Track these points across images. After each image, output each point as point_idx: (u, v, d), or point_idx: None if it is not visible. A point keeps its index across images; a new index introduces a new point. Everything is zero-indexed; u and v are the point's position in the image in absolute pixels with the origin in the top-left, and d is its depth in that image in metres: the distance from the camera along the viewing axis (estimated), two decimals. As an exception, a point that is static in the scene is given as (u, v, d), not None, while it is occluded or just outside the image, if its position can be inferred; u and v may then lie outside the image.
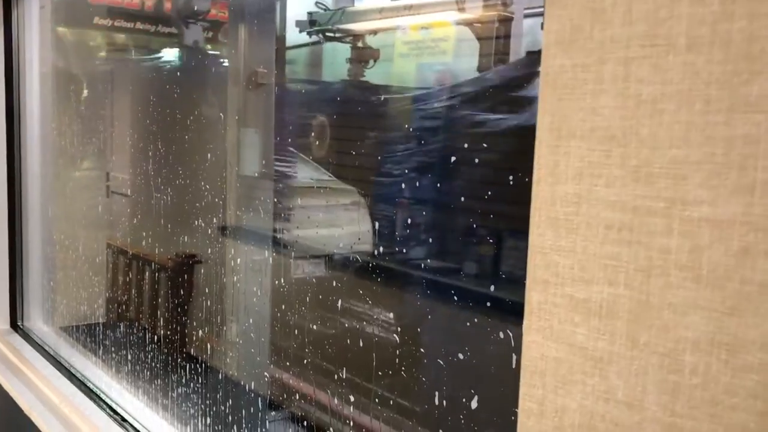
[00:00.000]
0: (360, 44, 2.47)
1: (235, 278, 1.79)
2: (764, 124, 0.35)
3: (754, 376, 0.36)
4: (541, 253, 0.45)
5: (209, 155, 1.87)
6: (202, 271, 1.90)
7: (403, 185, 1.59)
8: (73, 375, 1.85)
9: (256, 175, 1.92)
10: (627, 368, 0.41)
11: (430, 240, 1.50)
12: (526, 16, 1.62)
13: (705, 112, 0.37)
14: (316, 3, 2.47)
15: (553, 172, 0.43)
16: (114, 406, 1.68)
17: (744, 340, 0.36)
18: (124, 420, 1.61)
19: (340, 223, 1.64)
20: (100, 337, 2.02)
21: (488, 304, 1.17)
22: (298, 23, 2.43)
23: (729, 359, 0.37)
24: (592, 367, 0.42)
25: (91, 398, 1.72)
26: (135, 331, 2.00)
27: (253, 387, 1.65)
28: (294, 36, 2.40)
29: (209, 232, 1.79)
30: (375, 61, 2.44)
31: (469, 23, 1.82)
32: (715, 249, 0.37)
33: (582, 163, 0.42)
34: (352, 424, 1.38)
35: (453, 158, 1.40)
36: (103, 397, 1.73)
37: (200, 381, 1.70)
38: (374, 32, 2.45)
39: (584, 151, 0.42)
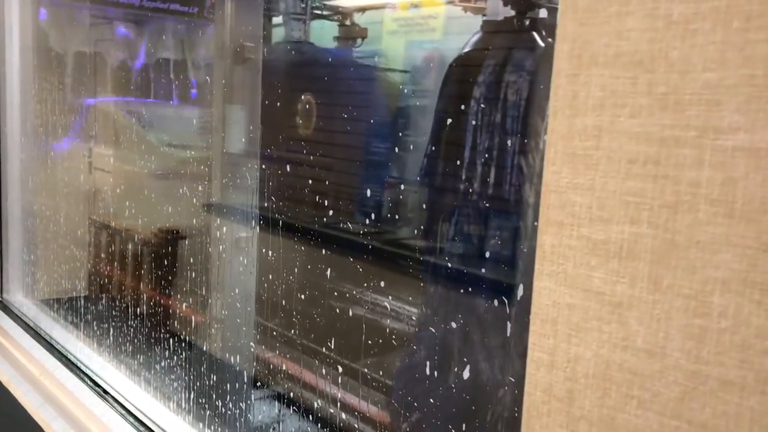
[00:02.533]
0: (347, 22, 2.43)
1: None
2: (811, 40, 0.32)
3: (790, 316, 0.33)
4: (556, 192, 0.42)
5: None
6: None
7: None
8: (54, 347, 1.81)
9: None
10: (648, 313, 0.38)
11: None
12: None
13: (744, 29, 0.34)
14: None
15: (572, 104, 0.40)
16: (96, 378, 1.64)
17: (780, 278, 0.33)
18: (105, 392, 1.58)
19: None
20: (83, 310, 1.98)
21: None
22: None
23: (763, 299, 0.34)
24: (609, 313, 0.40)
25: (72, 371, 1.68)
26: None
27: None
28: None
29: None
30: (363, 39, 2.39)
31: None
32: (751, 180, 0.34)
33: (604, 92, 0.39)
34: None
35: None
36: (84, 369, 1.69)
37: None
38: (362, 10, 2.40)
39: (607, 79, 0.39)
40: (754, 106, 0.34)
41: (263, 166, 1.72)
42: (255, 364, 1.71)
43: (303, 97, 1.92)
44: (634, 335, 0.39)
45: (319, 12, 2.47)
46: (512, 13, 1.25)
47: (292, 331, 1.56)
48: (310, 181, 1.66)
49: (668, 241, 0.37)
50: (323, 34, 2.48)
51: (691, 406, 0.37)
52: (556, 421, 0.42)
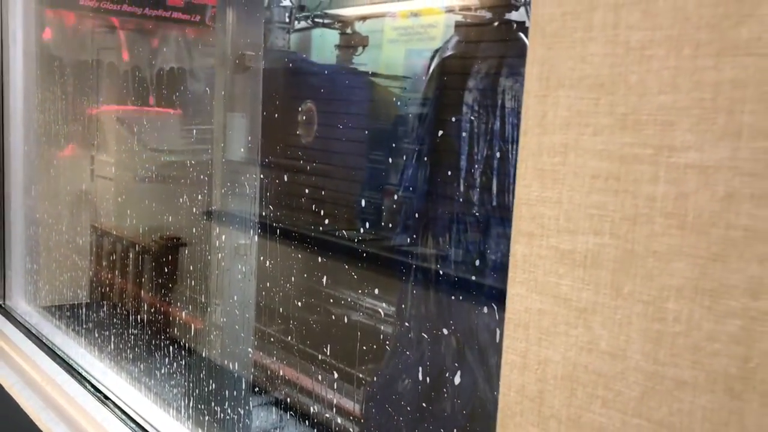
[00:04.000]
0: (349, 30, 2.46)
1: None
2: (752, 67, 0.35)
3: (737, 321, 0.36)
4: (526, 205, 0.44)
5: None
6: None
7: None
8: (56, 354, 1.84)
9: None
10: (611, 318, 0.41)
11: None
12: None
13: (694, 56, 0.37)
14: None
15: (541, 123, 0.43)
16: (96, 384, 1.66)
17: (727, 286, 0.36)
18: (106, 398, 1.60)
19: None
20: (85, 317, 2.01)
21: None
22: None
23: (712, 305, 0.37)
24: (575, 318, 0.42)
25: (73, 376, 1.71)
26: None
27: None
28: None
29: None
30: (364, 48, 2.42)
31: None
32: (701, 195, 0.37)
33: (570, 112, 0.42)
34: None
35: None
36: (86, 375, 1.71)
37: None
38: (363, 18, 2.43)
39: (572, 100, 0.42)
40: (703, 126, 0.37)
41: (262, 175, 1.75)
42: (253, 369, 1.73)
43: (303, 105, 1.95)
44: (598, 339, 0.41)
45: (320, 21, 2.50)
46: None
47: (290, 337, 1.58)
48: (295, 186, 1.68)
49: (628, 251, 0.40)
50: (324, 42, 2.51)
51: (650, 404, 0.39)
52: (528, 419, 0.45)
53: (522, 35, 1.27)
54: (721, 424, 0.37)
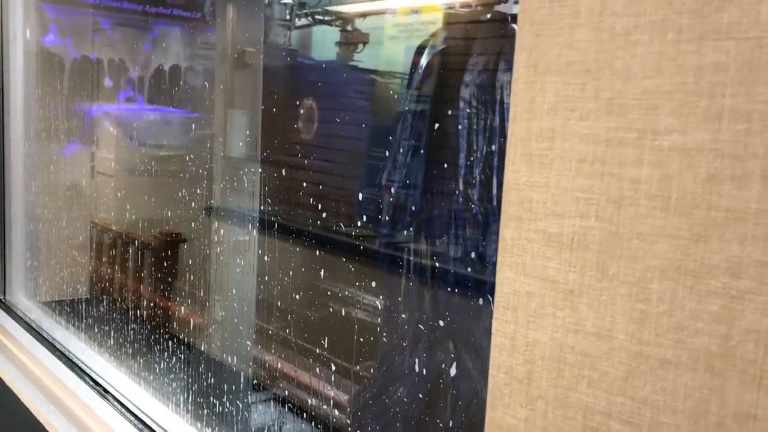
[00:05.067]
0: (349, 27, 2.46)
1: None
2: (733, 51, 0.36)
3: (717, 300, 0.37)
4: (515, 190, 0.45)
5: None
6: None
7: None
8: (56, 348, 1.85)
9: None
10: (596, 299, 0.42)
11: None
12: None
13: (677, 41, 0.37)
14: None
15: (529, 108, 0.44)
16: (97, 378, 1.67)
17: (709, 266, 0.37)
18: (106, 392, 1.61)
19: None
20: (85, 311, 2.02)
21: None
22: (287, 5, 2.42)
23: (694, 285, 0.38)
24: (562, 300, 0.43)
25: (73, 371, 1.72)
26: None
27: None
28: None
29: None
30: (364, 45, 2.42)
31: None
32: (684, 177, 0.38)
33: (557, 97, 0.43)
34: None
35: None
36: (86, 369, 1.72)
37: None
38: (363, 15, 2.44)
39: (559, 85, 0.42)
40: (685, 110, 0.37)
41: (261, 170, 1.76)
42: (252, 364, 1.74)
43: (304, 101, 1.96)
44: (584, 320, 0.42)
45: (321, 18, 2.51)
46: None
47: (288, 331, 1.59)
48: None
49: (613, 233, 0.41)
50: (325, 39, 2.52)
51: (634, 383, 0.40)
52: (517, 400, 0.46)
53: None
54: (702, 401, 0.37)
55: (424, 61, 1.38)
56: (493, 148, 1.22)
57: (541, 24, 0.43)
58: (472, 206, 1.22)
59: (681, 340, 0.38)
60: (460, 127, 1.25)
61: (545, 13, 0.43)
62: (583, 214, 0.42)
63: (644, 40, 0.39)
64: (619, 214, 0.40)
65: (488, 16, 1.39)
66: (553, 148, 0.43)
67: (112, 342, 1.85)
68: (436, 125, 1.31)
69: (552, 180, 0.43)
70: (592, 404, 0.42)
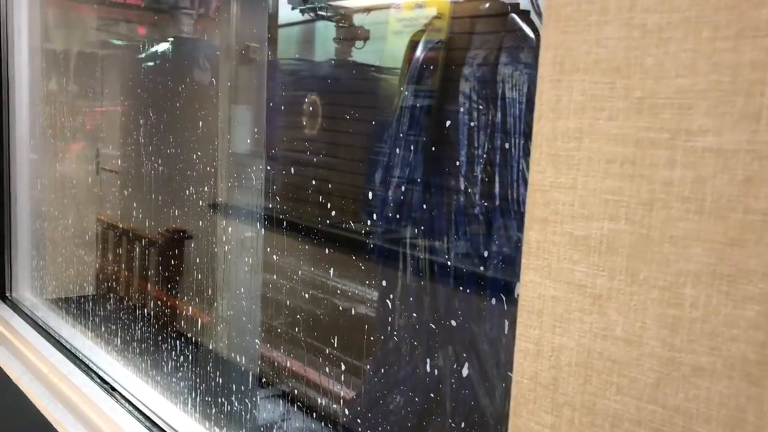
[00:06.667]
0: (348, 23, 2.44)
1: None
2: (772, 49, 0.34)
3: (755, 306, 0.36)
4: (540, 191, 0.44)
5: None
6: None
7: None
8: (62, 345, 1.84)
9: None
10: (626, 304, 0.40)
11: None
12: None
13: (712, 38, 0.36)
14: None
15: (555, 108, 0.43)
16: (103, 375, 1.67)
17: (745, 271, 0.36)
18: (113, 389, 1.61)
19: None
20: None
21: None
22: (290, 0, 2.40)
23: (730, 290, 0.36)
24: (590, 304, 0.42)
25: (79, 368, 1.71)
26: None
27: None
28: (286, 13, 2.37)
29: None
30: (365, 41, 2.40)
31: None
32: (719, 179, 0.36)
33: (584, 96, 0.41)
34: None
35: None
36: (93, 366, 1.72)
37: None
38: (367, 10, 2.42)
39: (587, 84, 0.41)
40: (721, 109, 0.36)
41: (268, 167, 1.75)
42: (260, 362, 1.74)
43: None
44: (613, 325, 0.41)
45: (322, 14, 2.49)
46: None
47: (297, 329, 1.58)
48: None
49: (644, 237, 0.39)
50: (326, 34, 2.50)
51: (666, 391, 0.39)
52: (542, 407, 0.45)
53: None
54: (738, 410, 0.36)
55: (419, 54, 1.36)
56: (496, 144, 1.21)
57: (568, 21, 0.42)
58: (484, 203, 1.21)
59: (716, 346, 0.37)
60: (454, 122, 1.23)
61: (572, 9, 0.42)
62: (613, 216, 0.41)
63: (678, 38, 0.37)
64: (650, 216, 0.39)
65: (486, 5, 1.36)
66: (580, 149, 0.42)
67: (118, 340, 1.84)
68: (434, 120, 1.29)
69: (579, 181, 0.42)
70: (621, 411, 0.41)
